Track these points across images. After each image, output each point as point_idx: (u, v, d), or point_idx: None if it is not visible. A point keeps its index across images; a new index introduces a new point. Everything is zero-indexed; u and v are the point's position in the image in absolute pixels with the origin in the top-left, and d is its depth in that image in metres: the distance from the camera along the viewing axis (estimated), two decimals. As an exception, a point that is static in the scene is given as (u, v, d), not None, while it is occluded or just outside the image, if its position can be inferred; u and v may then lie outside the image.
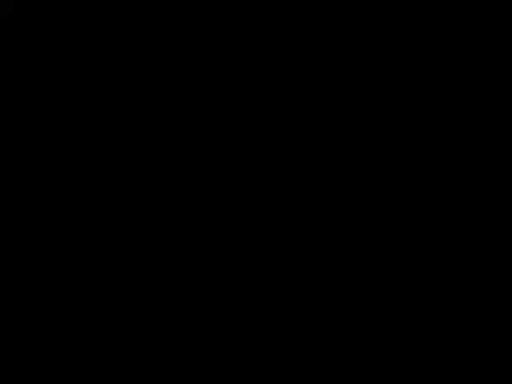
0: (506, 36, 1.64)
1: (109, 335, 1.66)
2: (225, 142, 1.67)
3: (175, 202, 1.66)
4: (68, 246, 1.67)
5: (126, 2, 1.66)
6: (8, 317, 1.65)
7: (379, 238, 1.66)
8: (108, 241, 1.67)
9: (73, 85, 1.67)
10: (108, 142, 1.67)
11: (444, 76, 1.67)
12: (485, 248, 1.62)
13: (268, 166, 1.66)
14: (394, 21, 1.67)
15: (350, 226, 1.67)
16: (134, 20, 1.67)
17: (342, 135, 1.68)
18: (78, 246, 1.67)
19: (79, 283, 1.66)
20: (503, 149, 1.64)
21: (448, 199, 1.66)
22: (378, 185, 1.67)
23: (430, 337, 1.64)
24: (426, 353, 1.65)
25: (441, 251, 1.65)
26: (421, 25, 1.67)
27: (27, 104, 1.66)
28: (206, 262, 1.66)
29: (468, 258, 1.64)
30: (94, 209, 1.67)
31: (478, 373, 1.61)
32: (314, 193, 1.67)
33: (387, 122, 1.68)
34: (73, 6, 1.65)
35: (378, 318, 1.66)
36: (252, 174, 1.66)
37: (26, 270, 1.67)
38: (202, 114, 1.67)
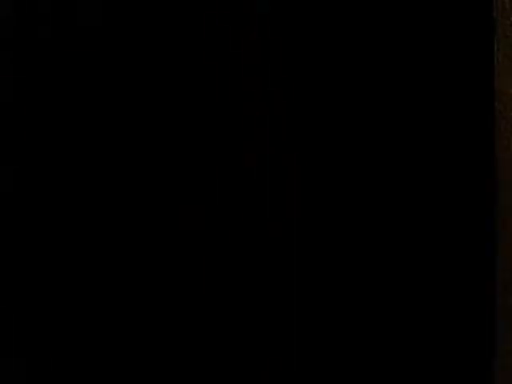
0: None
1: (110, 335, 1.66)
2: (225, 141, 1.67)
3: (175, 201, 1.66)
4: (68, 247, 1.66)
5: (126, 2, 1.66)
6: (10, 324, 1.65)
7: (379, 238, 1.67)
8: (108, 241, 1.66)
9: (73, 85, 1.66)
10: (108, 142, 1.66)
11: (439, 79, 1.69)
12: None
13: (268, 165, 1.67)
14: (394, 21, 1.68)
15: (349, 226, 1.68)
16: (133, 20, 1.66)
17: (342, 135, 1.69)
18: (78, 247, 1.66)
19: (79, 283, 1.66)
20: None
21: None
22: (376, 185, 1.68)
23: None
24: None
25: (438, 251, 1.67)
26: (416, 24, 1.68)
27: (27, 104, 1.65)
28: (206, 261, 1.66)
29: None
30: (94, 209, 1.67)
31: None
32: (314, 193, 1.68)
33: (387, 122, 1.69)
34: (73, 6, 1.65)
35: (377, 318, 1.67)
36: (252, 174, 1.66)
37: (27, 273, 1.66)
38: (202, 113, 1.67)
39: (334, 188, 1.67)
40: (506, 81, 1.68)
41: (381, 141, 1.68)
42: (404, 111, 1.69)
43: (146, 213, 1.66)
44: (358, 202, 1.67)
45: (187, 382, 1.65)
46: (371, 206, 1.68)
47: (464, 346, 1.65)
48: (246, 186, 1.66)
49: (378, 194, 1.68)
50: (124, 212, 1.66)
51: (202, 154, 1.67)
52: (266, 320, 1.65)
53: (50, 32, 1.64)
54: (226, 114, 1.67)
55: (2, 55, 1.63)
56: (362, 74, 1.69)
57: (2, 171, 1.65)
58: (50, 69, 1.65)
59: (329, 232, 1.67)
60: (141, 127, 1.67)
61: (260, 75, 1.67)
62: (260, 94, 1.67)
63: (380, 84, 1.69)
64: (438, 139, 1.69)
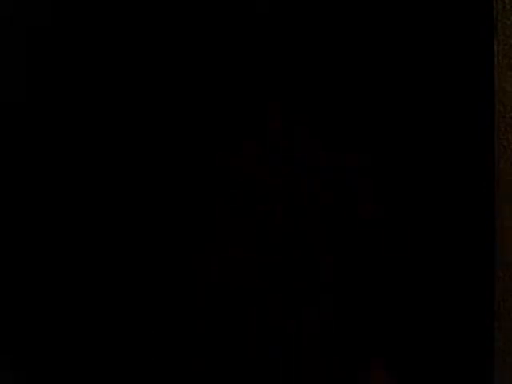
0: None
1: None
2: (222, 140, 1.67)
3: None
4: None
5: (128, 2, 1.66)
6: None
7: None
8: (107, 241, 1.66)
9: (74, 87, 1.66)
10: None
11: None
12: None
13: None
14: (395, 22, 1.68)
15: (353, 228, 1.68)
16: (137, 20, 1.67)
17: (339, 136, 1.69)
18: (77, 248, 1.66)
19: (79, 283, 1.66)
20: None
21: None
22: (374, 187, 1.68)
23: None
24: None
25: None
26: (417, 24, 1.68)
27: (37, 105, 1.65)
28: None
29: None
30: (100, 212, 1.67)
31: None
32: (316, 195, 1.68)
33: (386, 121, 1.69)
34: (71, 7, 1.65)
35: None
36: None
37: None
38: (200, 114, 1.67)
39: (332, 187, 1.68)
40: (505, 81, 1.68)
41: (380, 139, 1.68)
42: (403, 112, 1.69)
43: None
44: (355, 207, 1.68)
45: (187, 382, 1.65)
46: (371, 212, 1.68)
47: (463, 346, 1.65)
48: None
49: (376, 195, 1.68)
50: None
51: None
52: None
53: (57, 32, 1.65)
54: (225, 114, 1.67)
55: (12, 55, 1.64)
56: (362, 74, 1.69)
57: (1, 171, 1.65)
58: (53, 69, 1.66)
59: (333, 233, 1.67)
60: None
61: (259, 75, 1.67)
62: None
63: (379, 85, 1.69)
64: (438, 139, 1.69)
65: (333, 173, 1.67)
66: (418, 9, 1.68)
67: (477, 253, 1.64)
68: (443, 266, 1.66)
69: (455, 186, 1.68)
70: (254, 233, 1.65)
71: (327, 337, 1.65)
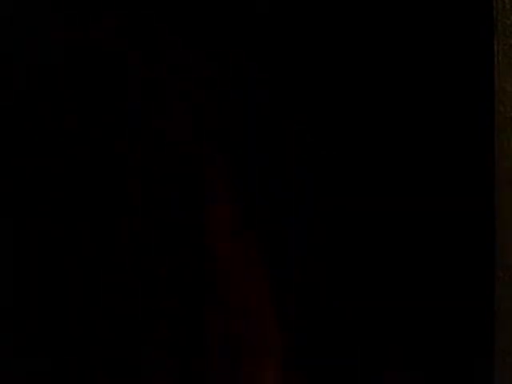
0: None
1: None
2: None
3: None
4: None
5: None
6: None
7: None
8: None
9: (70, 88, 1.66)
10: None
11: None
12: None
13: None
14: (393, 21, 1.68)
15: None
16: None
17: (336, 137, 1.69)
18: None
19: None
20: None
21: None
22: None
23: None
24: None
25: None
26: (415, 23, 1.68)
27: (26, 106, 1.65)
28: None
29: None
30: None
31: None
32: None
33: (384, 121, 1.69)
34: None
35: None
36: None
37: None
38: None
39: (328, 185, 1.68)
40: (505, 81, 1.68)
41: (380, 139, 1.69)
42: (403, 113, 1.69)
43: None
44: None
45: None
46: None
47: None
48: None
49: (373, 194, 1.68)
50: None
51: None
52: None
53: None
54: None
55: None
56: (362, 74, 1.69)
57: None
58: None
59: (328, 232, 1.67)
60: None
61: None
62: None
63: (379, 84, 1.69)
64: (438, 139, 1.69)
65: (332, 172, 1.68)
66: (416, 8, 1.68)
67: (477, 253, 1.64)
68: (443, 266, 1.67)
69: (455, 186, 1.68)
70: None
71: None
